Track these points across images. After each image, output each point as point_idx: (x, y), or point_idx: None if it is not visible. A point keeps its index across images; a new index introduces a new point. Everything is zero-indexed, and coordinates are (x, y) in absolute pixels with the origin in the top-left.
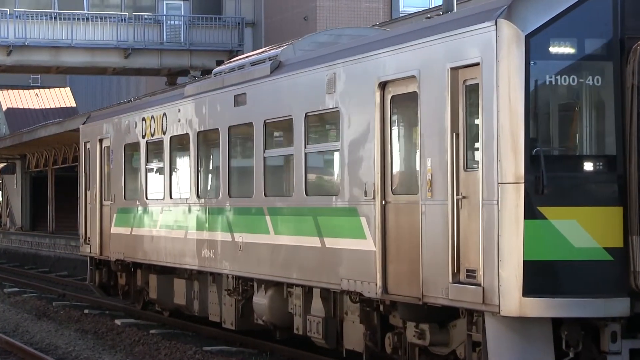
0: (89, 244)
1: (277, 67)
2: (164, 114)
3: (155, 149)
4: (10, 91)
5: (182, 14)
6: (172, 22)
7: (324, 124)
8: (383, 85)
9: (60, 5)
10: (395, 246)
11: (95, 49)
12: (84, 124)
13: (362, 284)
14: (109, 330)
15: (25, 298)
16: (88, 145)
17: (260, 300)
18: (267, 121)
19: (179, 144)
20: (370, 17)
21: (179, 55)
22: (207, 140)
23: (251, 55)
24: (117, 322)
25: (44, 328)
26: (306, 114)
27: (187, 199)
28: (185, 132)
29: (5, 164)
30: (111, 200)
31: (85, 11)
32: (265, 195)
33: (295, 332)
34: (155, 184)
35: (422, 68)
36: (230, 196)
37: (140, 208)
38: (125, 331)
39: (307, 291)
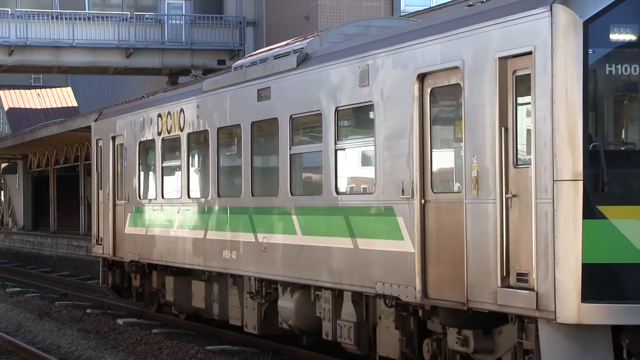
0: (101, 244)
1: (304, 59)
2: (181, 110)
3: (172, 146)
4: (11, 91)
5: (184, 13)
6: (173, 22)
7: (356, 118)
8: (422, 77)
9: (61, 5)
10: (435, 248)
11: (97, 49)
12: (95, 121)
13: (399, 287)
14: (111, 329)
15: (27, 298)
16: (100, 143)
17: (286, 303)
18: (293, 116)
19: (198, 141)
20: (371, 16)
21: (180, 54)
22: (227, 136)
23: (274, 48)
24: (120, 321)
25: (46, 328)
26: (336, 108)
27: (206, 198)
28: (204, 129)
29: (7, 163)
30: (125, 200)
31: (87, 11)
32: (292, 194)
33: (324, 338)
34: (172, 182)
35: (466, 58)
36: (253, 195)
37: (156, 208)
38: (128, 331)
39: (337, 294)
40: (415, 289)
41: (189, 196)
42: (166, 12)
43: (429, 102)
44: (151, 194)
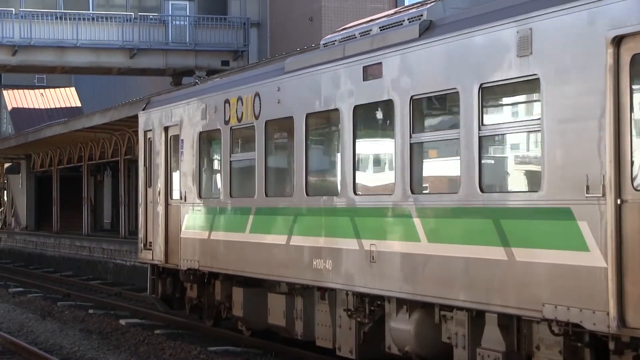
0: (150, 249)
1: (428, 28)
2: (257, 95)
3: (243, 137)
4: (15, 91)
5: (188, 14)
6: (177, 23)
7: (511, 96)
8: (618, 41)
9: (65, 5)
10: (639, 262)
11: (101, 49)
12: (143, 110)
13: (582, 312)
14: (113, 330)
15: (30, 298)
16: (149, 135)
17: (401, 325)
18: (415, 97)
19: (279, 129)
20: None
21: (184, 55)
22: (320, 123)
23: (376, 19)
24: (122, 322)
25: (49, 328)
26: (481, 85)
27: (291, 196)
28: (288, 115)
29: (10, 163)
30: (181, 199)
31: (91, 11)
32: (413, 192)
33: None
34: (243, 179)
35: None
36: (356, 193)
37: (221, 208)
38: (130, 331)
39: (475, 316)
40: (607, 314)
41: (266, 195)
42: (170, 13)
43: (629, 73)
44: (215, 192)
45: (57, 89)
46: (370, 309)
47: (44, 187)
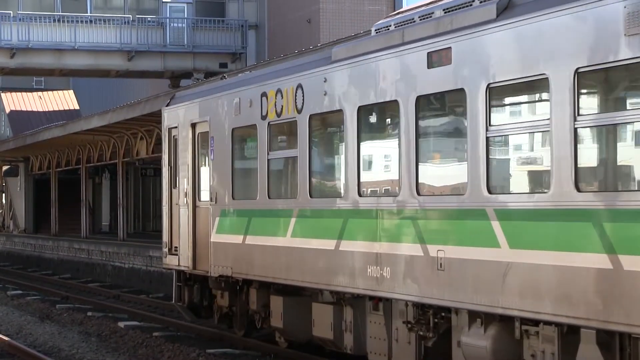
0: (176, 254)
1: (507, 7)
2: (299, 87)
3: (283, 133)
4: (13, 94)
5: (186, 16)
6: (175, 25)
7: (615, 80)
8: None
9: (63, 8)
10: None
11: (99, 52)
12: (167, 105)
13: None
14: (112, 332)
15: (28, 300)
16: (174, 133)
17: (475, 340)
18: (492, 85)
19: (326, 124)
20: (374, 20)
21: (182, 57)
22: (375, 117)
23: (435, 1)
24: (120, 324)
25: (47, 330)
26: (577, 69)
27: (340, 197)
28: (337, 109)
29: (8, 166)
30: (211, 200)
31: (89, 14)
32: (490, 192)
33: None
34: (283, 178)
35: None
36: (419, 193)
37: (258, 210)
38: (129, 333)
39: (566, 332)
40: None
41: (311, 196)
42: (168, 15)
43: None
44: (251, 193)
45: (55, 92)
46: (434, 321)
47: (42, 189)
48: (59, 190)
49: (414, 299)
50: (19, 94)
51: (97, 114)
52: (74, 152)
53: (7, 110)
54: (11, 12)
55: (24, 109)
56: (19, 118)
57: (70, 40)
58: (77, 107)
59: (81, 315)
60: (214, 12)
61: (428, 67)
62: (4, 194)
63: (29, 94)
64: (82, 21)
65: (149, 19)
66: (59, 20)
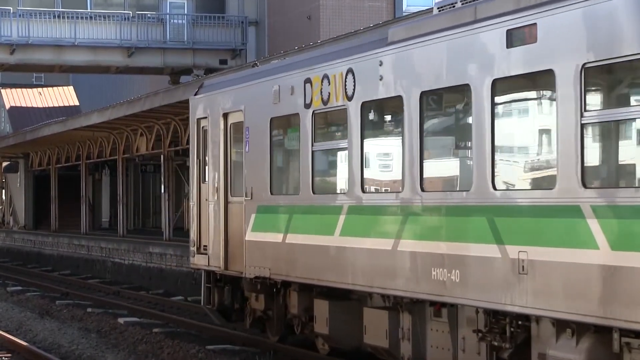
0: (205, 254)
1: None
2: (349, 71)
3: (330, 122)
4: (13, 90)
5: (186, 12)
6: (175, 21)
7: None
8: None
9: (63, 4)
10: None
11: (99, 48)
12: (195, 94)
13: None
14: (112, 328)
15: (28, 297)
16: (203, 123)
17: (566, 353)
18: (588, 66)
19: (381, 112)
20: (374, 16)
21: (182, 54)
22: (442, 102)
23: None
24: (120, 320)
25: (47, 326)
26: None
27: (399, 192)
28: (394, 95)
29: (8, 162)
30: (246, 196)
31: (89, 10)
32: (586, 186)
33: None
34: (330, 172)
35: None
36: (495, 188)
37: (301, 206)
38: (128, 330)
39: None
40: None
41: (363, 191)
42: (168, 12)
43: None
44: (293, 187)
45: (55, 88)
46: (512, 330)
47: (42, 185)
48: (59, 186)
49: (489, 306)
50: (18, 90)
51: (97, 110)
52: (73, 148)
53: (7, 107)
54: (11, 8)
55: (23, 105)
56: (18, 114)
57: (70, 36)
58: (77, 103)
59: (81, 312)
60: (214, 9)
61: (507, 47)
62: (3, 190)
63: (29, 90)
64: (82, 17)
65: (148, 15)
66: (58, 17)
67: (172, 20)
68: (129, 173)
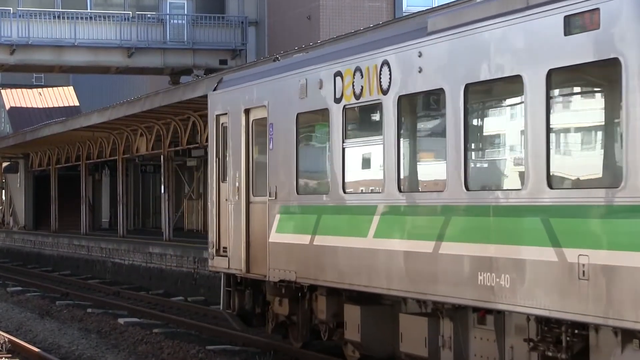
0: (225, 256)
1: None
2: (384, 64)
3: (363, 117)
4: (13, 90)
5: (186, 13)
6: (175, 21)
7: None
8: None
9: (63, 5)
10: None
11: (99, 48)
12: (214, 90)
13: None
14: (112, 329)
15: (28, 297)
16: (223, 120)
17: None
18: None
19: (420, 105)
20: (374, 16)
21: (182, 54)
22: (489, 95)
23: None
24: (120, 321)
25: (47, 327)
26: None
27: (439, 192)
28: (435, 88)
29: (8, 163)
30: (270, 196)
31: (89, 10)
32: None
33: None
34: (362, 170)
35: None
36: (553, 187)
37: (331, 206)
38: (129, 330)
39: None
40: None
41: (400, 190)
42: (168, 12)
43: None
44: (321, 187)
45: (55, 88)
46: (568, 339)
47: (42, 186)
48: (59, 186)
49: (544, 313)
50: (18, 90)
51: (97, 110)
52: (73, 148)
53: (7, 107)
54: (11, 8)
55: (23, 105)
56: (18, 114)
57: (70, 36)
58: (76, 103)
59: (81, 312)
60: (214, 9)
61: (565, 34)
62: (3, 191)
63: (29, 90)
64: (82, 18)
65: (148, 15)
66: (58, 17)
67: (172, 21)
68: (129, 173)
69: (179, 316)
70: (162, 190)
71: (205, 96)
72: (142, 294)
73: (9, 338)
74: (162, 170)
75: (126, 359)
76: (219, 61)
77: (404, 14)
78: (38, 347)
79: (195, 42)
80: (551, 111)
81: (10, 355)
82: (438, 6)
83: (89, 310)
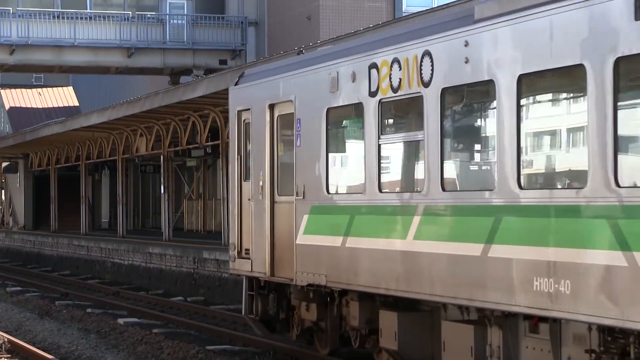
0: (247, 258)
1: None
2: (426, 54)
3: (401, 112)
4: (13, 90)
5: (185, 13)
6: (175, 22)
7: None
8: None
9: (63, 5)
10: None
11: (98, 48)
12: (236, 84)
13: None
14: (111, 329)
15: (28, 297)
16: (245, 116)
17: None
18: None
19: (466, 98)
20: (374, 17)
21: (181, 54)
22: (544, 86)
23: None
24: (120, 321)
25: (47, 327)
26: None
27: (490, 190)
28: (484, 79)
29: (8, 163)
30: (297, 195)
31: (88, 10)
32: None
33: None
34: (401, 167)
35: None
36: (619, 185)
37: (366, 206)
38: (128, 330)
39: None
40: None
41: (443, 189)
42: (168, 12)
43: None
44: (355, 185)
45: (54, 88)
46: (635, 350)
47: (42, 186)
48: (59, 186)
49: (611, 322)
50: (18, 90)
51: (97, 110)
52: (73, 148)
53: (7, 107)
54: (10, 8)
55: (23, 105)
56: (18, 114)
57: (70, 36)
58: (76, 103)
59: (80, 312)
60: (214, 9)
61: (636, 19)
62: (3, 191)
63: (29, 90)
64: (81, 18)
65: (148, 15)
66: (58, 17)
67: (171, 21)
68: (129, 173)
69: (178, 316)
70: (162, 191)
71: (205, 96)
72: (141, 294)
73: (8, 338)
74: (161, 170)
75: (126, 359)
76: (218, 61)
77: (404, 14)
78: (37, 347)
79: (195, 42)
80: (619, 103)
81: (9, 355)
82: (438, 7)
83: (89, 310)
